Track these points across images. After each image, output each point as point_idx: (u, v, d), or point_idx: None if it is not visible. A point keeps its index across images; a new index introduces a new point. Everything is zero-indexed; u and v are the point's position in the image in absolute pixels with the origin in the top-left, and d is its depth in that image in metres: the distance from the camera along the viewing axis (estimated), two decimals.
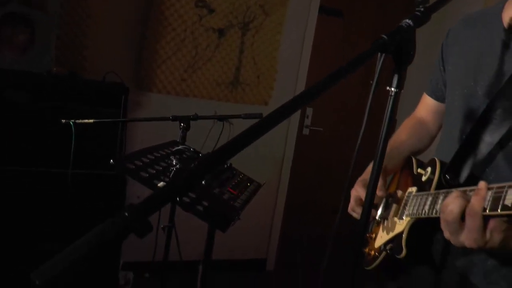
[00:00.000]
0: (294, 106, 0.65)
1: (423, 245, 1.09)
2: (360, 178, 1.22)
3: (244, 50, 3.16)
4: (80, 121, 1.88)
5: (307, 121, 3.56)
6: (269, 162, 3.49)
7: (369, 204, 0.85)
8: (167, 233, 2.04)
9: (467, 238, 0.79)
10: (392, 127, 0.85)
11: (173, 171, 1.51)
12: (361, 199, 1.17)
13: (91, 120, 1.88)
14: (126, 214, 0.50)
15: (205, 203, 1.43)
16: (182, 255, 2.21)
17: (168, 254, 2.15)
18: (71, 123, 1.88)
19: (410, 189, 1.13)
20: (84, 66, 2.79)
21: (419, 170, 1.16)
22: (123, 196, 2.49)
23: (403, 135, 1.36)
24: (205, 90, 3.14)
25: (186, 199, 1.41)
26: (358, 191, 1.18)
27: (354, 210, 1.20)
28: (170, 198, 0.55)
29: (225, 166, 1.79)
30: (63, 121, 1.88)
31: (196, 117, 2.00)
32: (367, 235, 1.29)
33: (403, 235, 1.03)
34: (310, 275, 3.47)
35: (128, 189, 2.59)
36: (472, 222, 0.76)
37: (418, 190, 1.09)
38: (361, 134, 0.83)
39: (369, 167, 1.15)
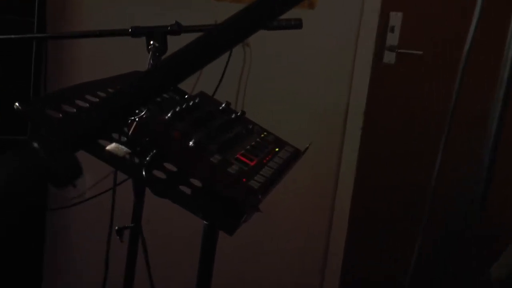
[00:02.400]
0: None
1: None
2: None
3: None
4: None
5: (392, 39, 3.54)
6: (321, 120, 3.50)
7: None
8: (130, 246, 2.09)
9: None
10: None
11: (135, 124, 1.51)
12: None
13: None
14: (36, 145, 0.54)
15: (196, 181, 1.47)
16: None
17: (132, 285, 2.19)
18: None
19: None
20: None
21: None
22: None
23: None
24: None
25: (160, 175, 1.46)
26: None
27: None
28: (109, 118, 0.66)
29: (233, 115, 1.84)
30: None
31: (177, 29, 2.01)
32: None
33: None
34: None
35: None
36: None
37: None
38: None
39: None
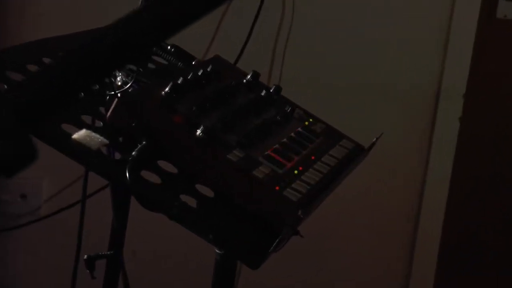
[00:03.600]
0: None
1: None
2: None
3: None
4: None
5: None
6: (397, 106, 3.51)
7: None
8: (105, 284, 2.12)
9: None
10: None
11: (115, 102, 1.56)
12: None
13: None
14: None
15: (205, 189, 1.52)
16: None
17: None
18: None
19: None
20: None
21: None
22: None
23: None
24: None
25: (152, 178, 1.49)
26: None
27: None
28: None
29: (263, 92, 1.88)
30: None
31: None
32: None
33: None
34: None
35: None
36: None
37: None
38: None
39: None
